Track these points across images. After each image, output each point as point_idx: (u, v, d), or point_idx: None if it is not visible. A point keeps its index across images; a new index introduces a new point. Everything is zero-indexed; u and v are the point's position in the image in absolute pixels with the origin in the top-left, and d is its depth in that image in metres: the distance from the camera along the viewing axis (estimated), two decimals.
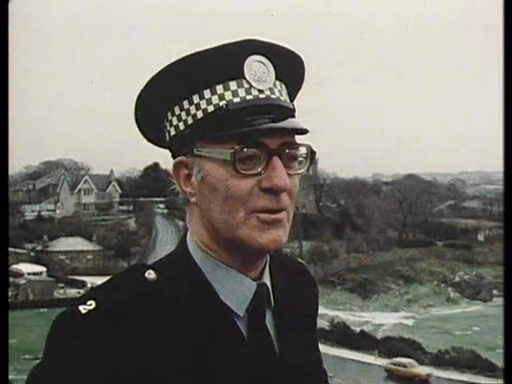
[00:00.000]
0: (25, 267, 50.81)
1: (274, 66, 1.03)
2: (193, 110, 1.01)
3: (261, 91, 1.00)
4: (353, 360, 36.02)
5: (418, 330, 47.12)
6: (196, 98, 1.01)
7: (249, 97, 0.99)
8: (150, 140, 1.14)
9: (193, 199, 1.03)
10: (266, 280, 1.07)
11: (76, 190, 73.26)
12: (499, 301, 50.69)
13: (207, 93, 1.00)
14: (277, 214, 0.99)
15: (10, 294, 42.95)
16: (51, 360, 0.93)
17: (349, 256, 62.40)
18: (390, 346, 37.89)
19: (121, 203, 77.48)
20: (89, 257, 58.81)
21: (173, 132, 1.05)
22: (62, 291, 49.04)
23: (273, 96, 1.01)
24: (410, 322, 50.61)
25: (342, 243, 63.13)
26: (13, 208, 58.99)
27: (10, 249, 45.03)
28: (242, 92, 0.99)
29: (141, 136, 1.13)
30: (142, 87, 1.05)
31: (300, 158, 1.03)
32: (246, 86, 1.00)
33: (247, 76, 1.00)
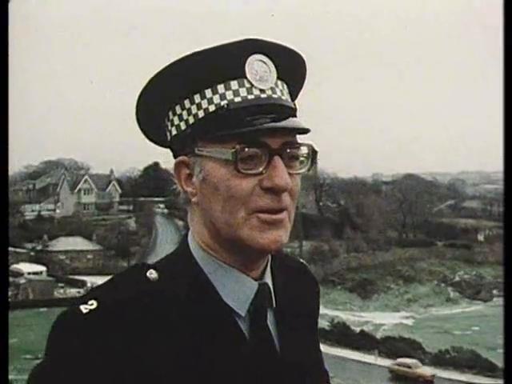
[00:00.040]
0: (25, 267, 50.77)
1: (276, 66, 1.02)
2: (194, 109, 1.01)
3: (262, 91, 1.00)
4: (353, 360, 36.01)
5: (417, 329, 47.11)
6: (197, 98, 1.01)
7: (250, 96, 0.99)
8: (151, 140, 1.14)
9: (194, 199, 1.03)
10: (268, 280, 1.07)
11: (76, 190, 73.27)
12: (499, 301, 50.70)
13: (208, 92, 1.00)
14: (278, 215, 0.99)
15: (10, 293, 42.95)
16: (52, 360, 0.93)
17: (349, 256, 62.39)
18: (390, 345, 37.89)
19: (121, 203, 77.47)
20: (89, 256, 58.80)
21: (174, 131, 1.05)
22: (62, 291, 49.01)
23: (274, 95, 1.01)
24: (409, 322, 50.60)
25: (341, 243, 63.13)
26: (13, 208, 58.97)
27: (10, 248, 45.02)
28: (243, 91, 0.99)
29: (141, 136, 1.13)
30: (143, 87, 1.05)
31: (301, 158, 1.03)
32: (248, 85, 1.00)
33: (248, 75, 1.00)
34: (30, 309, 43.19)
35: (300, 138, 1.03)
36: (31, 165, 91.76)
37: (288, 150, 1.00)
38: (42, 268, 52.60)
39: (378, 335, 42.51)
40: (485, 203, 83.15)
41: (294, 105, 1.05)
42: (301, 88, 1.13)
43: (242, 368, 0.99)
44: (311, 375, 1.12)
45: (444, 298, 59.15)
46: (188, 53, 1.00)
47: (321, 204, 72.22)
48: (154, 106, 1.06)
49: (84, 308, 0.94)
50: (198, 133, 1.00)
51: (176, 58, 1.01)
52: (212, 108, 0.99)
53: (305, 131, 1.02)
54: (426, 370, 34.07)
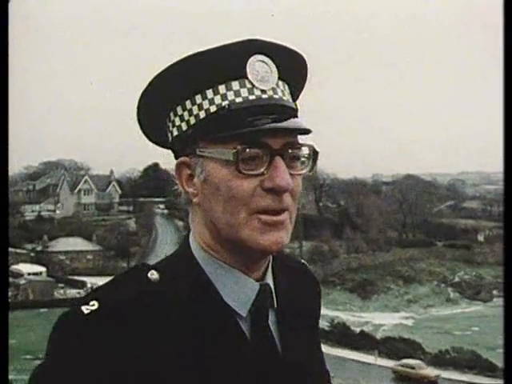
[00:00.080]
0: (25, 267, 50.77)
1: (277, 66, 1.02)
2: (195, 110, 1.01)
3: (263, 91, 1.00)
4: (353, 360, 36.01)
5: (417, 330, 47.12)
6: (198, 98, 1.01)
7: (251, 97, 0.99)
8: (152, 140, 1.14)
9: (195, 199, 1.03)
10: (269, 280, 1.07)
11: (76, 191, 73.27)
12: (499, 301, 50.70)
13: (210, 93, 1.00)
14: (278, 216, 0.99)
15: (9, 294, 42.93)
16: (53, 360, 0.93)
17: (349, 256, 62.39)
18: (390, 346, 37.89)
19: (121, 203, 77.46)
20: (89, 257, 58.78)
21: (175, 132, 1.04)
22: (61, 291, 48.99)
23: (275, 96, 1.01)
24: (409, 323, 50.60)
25: (341, 243, 63.13)
26: (13, 208, 58.95)
27: (10, 249, 45.02)
28: (244, 92, 0.99)
29: (141, 136, 1.13)
30: (144, 88, 1.04)
31: (302, 159, 1.03)
32: (249, 85, 1.00)
33: (250, 76, 1.00)
34: (30, 309, 43.19)
35: (301, 139, 1.02)
36: (31, 165, 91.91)
37: (289, 151, 1.00)
38: (42, 268, 52.60)
39: (378, 335, 42.51)
40: (485, 204, 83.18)
41: (296, 105, 1.05)
42: (302, 88, 1.13)
43: (243, 368, 0.99)
44: (312, 375, 1.12)
45: (444, 299, 59.16)
46: (189, 53, 1.00)
47: (321, 204, 72.22)
48: (155, 107, 1.05)
49: (85, 309, 0.94)
50: (200, 133, 1.00)
51: (177, 59, 1.01)
52: (213, 108, 0.99)
53: (306, 132, 1.01)
54: (430, 371, 33.93)
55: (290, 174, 0.99)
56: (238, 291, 1.02)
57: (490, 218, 76.69)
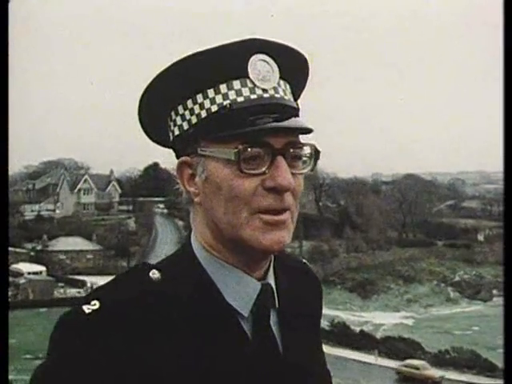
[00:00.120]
0: (24, 267, 50.78)
1: (278, 65, 1.02)
2: (197, 109, 1.01)
3: (265, 90, 1.00)
4: (353, 360, 36.01)
5: (417, 329, 47.14)
6: (200, 98, 1.01)
7: (253, 96, 0.99)
8: (153, 140, 1.13)
9: (196, 199, 1.03)
10: (271, 280, 1.07)
11: (76, 190, 73.27)
12: (499, 300, 50.71)
13: (211, 92, 1.00)
14: (280, 216, 0.99)
15: (9, 293, 42.94)
16: (55, 360, 0.93)
17: (348, 256, 62.42)
18: (390, 345, 37.90)
19: (120, 203, 77.47)
20: (89, 256, 58.81)
21: (177, 132, 1.04)
22: (61, 291, 49.01)
23: (277, 95, 1.01)
24: (409, 322, 50.62)
25: (341, 243, 63.17)
26: (12, 208, 58.95)
27: (10, 248, 45.01)
28: (245, 91, 0.99)
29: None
30: (145, 87, 1.04)
31: (304, 158, 1.03)
32: (250, 85, 1.00)
33: (251, 75, 1.00)
34: (30, 309, 43.20)
35: (302, 138, 1.03)
36: (31, 165, 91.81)
37: (291, 150, 1.00)
38: (42, 268, 52.61)
39: (378, 335, 42.53)
40: (485, 203, 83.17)
41: (297, 104, 1.05)
42: (303, 88, 1.13)
43: (244, 368, 0.99)
44: (314, 375, 1.12)
45: (444, 298, 59.18)
46: (190, 53, 1.00)
47: (320, 204, 72.22)
48: (157, 106, 1.05)
49: (87, 308, 0.94)
50: (201, 133, 1.00)
51: (177, 59, 1.01)
52: (214, 108, 0.99)
53: (308, 131, 1.01)
54: (435, 372, 33.78)
55: (292, 174, 0.99)
56: (240, 291, 1.02)
57: (489, 217, 76.71)
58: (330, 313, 45.66)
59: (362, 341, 39.02)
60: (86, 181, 74.45)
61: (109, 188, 76.34)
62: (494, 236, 67.52)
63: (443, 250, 67.61)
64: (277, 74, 1.02)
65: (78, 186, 73.49)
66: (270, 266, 1.08)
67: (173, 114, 1.05)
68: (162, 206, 75.60)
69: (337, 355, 34.17)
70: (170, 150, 1.10)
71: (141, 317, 0.94)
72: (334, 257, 60.42)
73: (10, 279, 43.59)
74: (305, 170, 1.03)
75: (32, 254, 56.94)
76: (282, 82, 1.03)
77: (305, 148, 1.02)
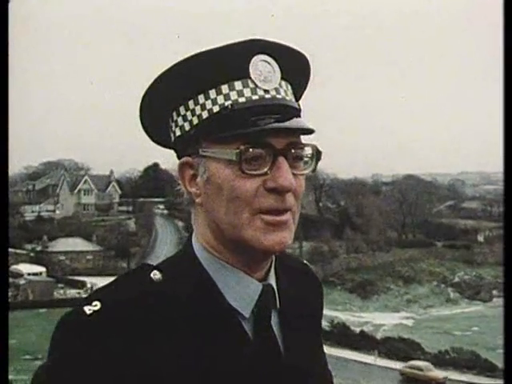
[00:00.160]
0: (24, 268, 50.76)
1: (280, 66, 1.02)
2: (198, 110, 1.01)
3: (266, 91, 1.00)
4: (353, 360, 35.99)
5: (417, 330, 47.14)
6: (201, 98, 1.01)
7: (254, 97, 0.99)
8: (154, 141, 1.13)
9: (198, 200, 1.03)
10: (272, 281, 1.07)
11: (76, 191, 73.24)
12: (499, 301, 50.75)
13: (212, 93, 1.00)
14: (281, 216, 0.99)
15: (9, 294, 42.92)
16: (56, 360, 0.93)
17: (348, 256, 62.41)
18: (390, 346, 37.90)
19: (120, 204, 77.43)
20: (88, 257, 58.78)
21: (178, 132, 1.04)
22: (61, 291, 48.96)
23: (278, 96, 1.01)
24: (409, 323, 50.62)
25: (341, 243, 63.15)
26: (12, 208, 58.94)
27: (10, 249, 45.01)
28: (247, 92, 0.99)
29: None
30: (146, 88, 1.04)
31: (305, 159, 1.03)
32: (252, 85, 1.00)
33: (253, 76, 1.00)
34: (30, 309, 43.15)
35: (303, 139, 1.03)
36: (31, 165, 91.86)
37: (292, 151, 1.00)
38: (42, 269, 52.59)
39: (378, 336, 42.52)
40: (484, 204, 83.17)
41: (298, 105, 1.05)
42: (305, 88, 1.13)
43: (245, 369, 0.99)
44: (315, 376, 1.12)
45: (444, 299, 59.19)
46: (191, 53, 1.00)
47: (320, 204, 72.22)
48: (158, 107, 1.05)
49: (88, 309, 0.94)
50: (202, 133, 1.00)
51: (178, 59, 1.01)
52: (216, 109, 0.99)
53: (309, 131, 1.01)
54: (439, 373, 33.64)
55: (293, 174, 0.98)
56: (241, 292, 1.02)
57: (489, 218, 76.69)
58: (329, 313, 45.68)
59: (362, 341, 39.01)
60: (86, 181, 74.41)
61: (109, 189, 76.31)
62: (494, 237, 67.53)
63: (443, 250, 67.59)
64: (278, 75, 1.02)
65: (78, 187, 73.46)
66: (271, 266, 1.08)
67: (174, 114, 1.04)
68: (161, 206, 75.60)
69: (337, 356, 34.17)
70: (171, 151, 1.09)
71: (142, 317, 0.94)
72: (333, 257, 60.41)
73: (10, 280, 43.57)
74: (306, 171, 1.03)
75: (32, 254, 56.89)
76: (283, 83, 1.03)
77: (306, 149, 1.02)
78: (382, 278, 60.11)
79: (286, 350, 1.05)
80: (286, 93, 1.03)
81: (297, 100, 1.07)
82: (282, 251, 1.01)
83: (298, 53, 1.06)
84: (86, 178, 75.51)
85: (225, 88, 1.00)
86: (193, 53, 1.00)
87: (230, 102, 0.98)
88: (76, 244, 59.47)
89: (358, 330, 41.79)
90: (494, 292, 58.61)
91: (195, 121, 1.01)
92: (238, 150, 0.96)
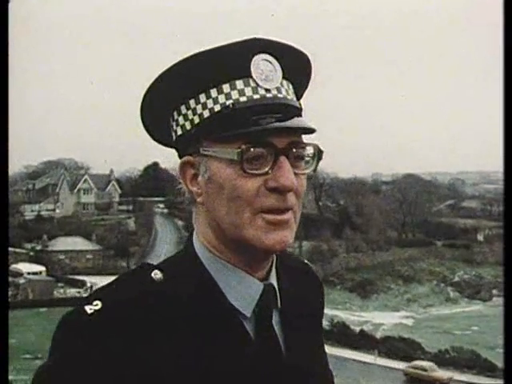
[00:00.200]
0: (24, 267, 50.73)
1: (281, 65, 1.02)
2: (199, 109, 1.01)
3: (268, 90, 1.00)
4: (353, 360, 36.00)
5: (417, 329, 47.13)
6: (203, 97, 1.01)
7: (256, 96, 0.99)
8: (155, 139, 1.13)
9: (199, 199, 1.03)
10: (273, 280, 1.07)
11: (76, 190, 73.24)
12: (499, 300, 50.75)
13: (214, 92, 1.00)
14: (283, 215, 0.99)
15: (9, 293, 42.93)
16: (56, 360, 0.93)
17: (348, 256, 62.40)
18: (390, 345, 37.88)
19: (120, 203, 77.42)
20: (88, 256, 58.78)
21: (179, 131, 1.04)
22: (61, 291, 48.98)
23: (280, 95, 1.01)
24: (409, 322, 50.61)
25: (341, 243, 63.13)
26: (12, 208, 58.98)
27: (10, 248, 45.00)
28: (248, 91, 0.99)
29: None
30: (147, 86, 1.04)
31: (307, 158, 1.02)
32: (253, 85, 0.99)
33: (254, 75, 0.99)
34: (30, 309, 43.15)
35: (304, 138, 1.02)
36: (31, 165, 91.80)
37: (294, 150, 0.99)
38: (42, 268, 52.58)
39: (378, 335, 42.50)
40: (484, 203, 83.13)
41: (300, 104, 1.05)
42: (306, 87, 1.13)
43: (247, 368, 0.99)
44: (316, 376, 1.12)
45: (443, 298, 59.18)
46: (193, 52, 1.00)
47: (320, 204, 72.19)
48: (159, 106, 1.05)
49: (89, 308, 0.94)
50: (204, 132, 1.00)
51: (178, 59, 1.00)
52: (217, 108, 0.99)
53: (311, 131, 1.01)
54: (443, 373, 33.44)
55: (295, 174, 0.98)
56: (242, 291, 1.02)
57: (489, 217, 76.69)
58: (329, 313, 45.68)
59: (362, 341, 38.99)
60: (85, 181, 74.41)
61: (108, 188, 76.31)
62: (494, 236, 67.50)
63: (443, 249, 67.58)
64: (280, 74, 1.02)
65: (78, 186, 73.47)
66: (272, 266, 1.08)
67: (175, 113, 1.04)
68: (161, 205, 75.62)
69: (336, 355, 34.17)
70: (170, 150, 1.09)
71: (143, 317, 0.94)
72: (333, 257, 60.42)
73: (10, 279, 43.58)
74: (307, 170, 1.03)
75: (32, 254, 56.90)
76: (284, 82, 1.03)
77: (308, 148, 1.02)
78: (382, 277, 60.11)
79: (288, 349, 1.05)
80: (287, 92, 1.02)
81: (298, 99, 1.07)
82: (283, 250, 1.01)
83: (300, 52, 1.06)
84: (86, 177, 75.51)
85: (226, 87, 0.99)
86: (194, 52, 0.99)
87: (231, 101, 0.98)
88: (76, 243, 59.47)
89: (357, 329, 41.77)
90: (494, 291, 58.60)
91: (196, 120, 1.01)
92: (239, 150, 0.96)
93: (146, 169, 78.73)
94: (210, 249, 1.04)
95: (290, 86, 1.05)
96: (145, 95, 1.05)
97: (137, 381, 0.91)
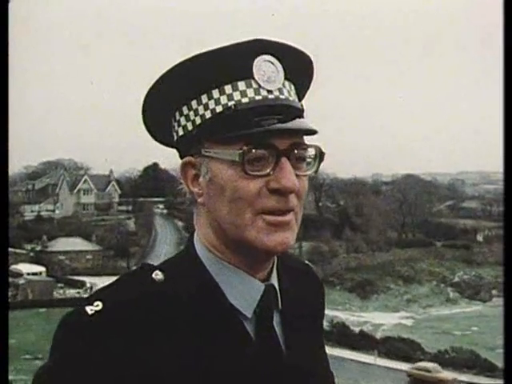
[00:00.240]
0: (24, 267, 50.75)
1: (283, 66, 1.02)
2: (201, 110, 1.01)
3: (270, 91, 1.00)
4: (352, 360, 36.00)
5: (417, 330, 47.15)
6: (204, 98, 1.00)
7: (257, 97, 0.99)
8: (157, 140, 1.13)
9: (200, 200, 1.03)
10: (274, 281, 1.07)
11: (75, 190, 73.24)
12: (499, 301, 50.76)
13: (216, 93, 1.00)
14: (284, 216, 0.99)
15: (9, 294, 42.92)
16: (57, 360, 0.93)
17: (348, 256, 62.40)
18: (390, 346, 37.94)
19: (120, 203, 77.43)
20: (88, 257, 58.77)
21: (181, 132, 1.04)
22: (61, 291, 48.99)
23: (282, 96, 1.00)
24: (409, 322, 50.63)
25: (341, 243, 63.15)
26: (12, 208, 58.99)
27: (10, 249, 44.99)
28: (250, 92, 0.99)
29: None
30: (149, 87, 1.04)
31: (308, 159, 1.02)
32: (255, 86, 0.99)
33: (256, 76, 0.99)
34: (30, 309, 43.17)
35: (306, 139, 1.02)
36: (30, 165, 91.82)
37: (295, 152, 0.99)
38: (42, 268, 52.59)
39: (378, 335, 42.54)
40: (484, 203, 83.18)
41: (302, 105, 1.05)
42: (308, 88, 1.12)
43: (247, 369, 0.99)
44: (316, 376, 1.12)
45: (443, 299, 59.19)
46: (195, 53, 1.00)
47: (320, 204, 72.20)
48: (161, 107, 1.05)
49: (89, 309, 0.94)
50: (205, 133, 1.00)
51: (179, 59, 1.00)
52: (219, 109, 0.99)
53: (312, 132, 1.01)
54: (447, 374, 33.32)
55: (296, 175, 0.98)
56: (243, 292, 1.02)
57: (489, 217, 76.72)
58: (329, 313, 45.69)
59: (362, 341, 39.05)
60: (85, 181, 74.41)
61: (108, 188, 76.31)
62: (494, 236, 67.54)
63: (443, 250, 67.58)
64: (282, 75, 1.02)
65: (78, 187, 73.46)
66: (273, 267, 1.08)
67: (177, 114, 1.04)
68: (161, 206, 75.63)
69: (336, 355, 34.17)
70: (170, 151, 1.09)
71: (144, 318, 0.94)
72: (333, 257, 60.42)
73: (10, 280, 43.56)
74: (309, 172, 1.03)
75: (31, 254, 56.90)
76: (286, 83, 1.03)
77: (309, 149, 1.02)
78: (382, 277, 60.11)
79: (288, 350, 1.05)
80: (289, 93, 1.02)
81: (300, 100, 1.07)
82: (284, 252, 1.01)
83: (302, 53, 1.06)
84: (86, 177, 75.52)
85: (228, 88, 0.99)
86: (196, 53, 0.99)
87: (233, 103, 0.98)
88: (75, 244, 59.46)
89: (357, 329, 41.82)
90: (494, 292, 58.63)
91: (198, 121, 1.01)
92: (240, 151, 0.96)
93: (146, 169, 78.74)
94: (210, 249, 1.03)
95: (292, 87, 1.05)
96: (146, 96, 1.05)
97: (137, 381, 0.91)
